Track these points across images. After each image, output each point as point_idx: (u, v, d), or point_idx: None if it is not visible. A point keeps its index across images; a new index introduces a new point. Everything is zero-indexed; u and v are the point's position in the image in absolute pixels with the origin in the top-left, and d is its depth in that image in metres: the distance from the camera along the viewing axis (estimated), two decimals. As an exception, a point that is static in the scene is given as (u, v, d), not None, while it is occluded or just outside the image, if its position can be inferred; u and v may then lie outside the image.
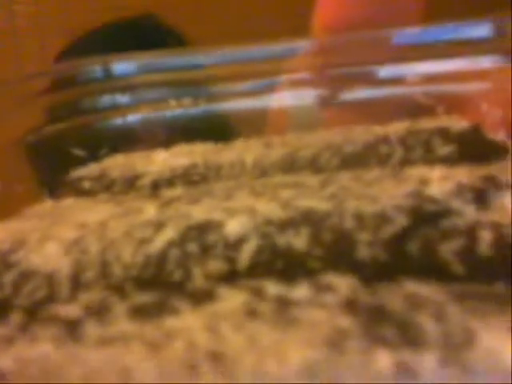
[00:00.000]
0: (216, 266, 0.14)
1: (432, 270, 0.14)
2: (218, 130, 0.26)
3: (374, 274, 0.13)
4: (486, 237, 0.15)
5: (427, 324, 0.11)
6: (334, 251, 0.14)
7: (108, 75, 0.25)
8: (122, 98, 0.25)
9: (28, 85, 0.24)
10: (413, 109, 0.25)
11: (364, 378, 0.10)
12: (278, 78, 0.26)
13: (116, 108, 0.25)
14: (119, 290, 0.14)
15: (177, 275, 0.14)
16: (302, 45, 0.26)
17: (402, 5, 0.26)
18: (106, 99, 0.25)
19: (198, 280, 0.14)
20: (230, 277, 0.14)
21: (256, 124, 0.27)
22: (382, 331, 0.11)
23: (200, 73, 0.26)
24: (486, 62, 0.24)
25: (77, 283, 0.14)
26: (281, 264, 0.14)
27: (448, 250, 0.14)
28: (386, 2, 0.25)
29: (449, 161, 0.20)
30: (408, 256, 0.14)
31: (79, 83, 0.24)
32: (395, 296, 0.12)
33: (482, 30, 0.24)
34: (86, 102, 0.25)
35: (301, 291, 0.12)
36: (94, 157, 0.24)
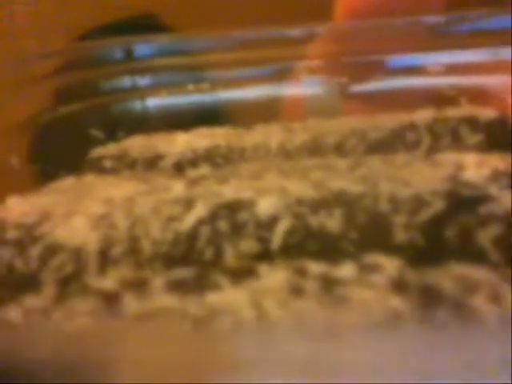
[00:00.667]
0: (248, 245, 0.14)
1: (469, 256, 0.14)
2: (225, 117, 0.26)
3: (416, 256, 0.13)
4: (523, 224, 0.14)
5: (483, 306, 0.11)
6: (370, 234, 0.14)
7: (127, 56, 0.24)
8: (141, 81, 0.25)
9: (45, 63, 0.23)
10: (435, 100, 0.25)
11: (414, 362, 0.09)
12: (297, 63, 0.26)
13: (134, 90, 0.25)
14: (149, 266, 0.14)
15: (208, 253, 0.14)
16: (320, 30, 0.25)
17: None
18: (124, 81, 0.25)
19: (231, 259, 0.14)
20: (264, 257, 0.14)
21: (270, 111, 0.27)
22: (436, 313, 0.11)
23: (218, 57, 0.26)
24: (508, 54, 0.24)
25: (105, 258, 0.14)
26: (315, 245, 0.14)
27: (485, 236, 0.14)
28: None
29: (478, 150, 0.19)
30: (445, 241, 0.14)
31: (98, 63, 0.24)
32: (445, 278, 0.12)
33: (504, 20, 0.23)
34: (103, 82, 0.24)
35: (346, 270, 0.12)
36: (111, 138, 0.24)
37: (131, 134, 0.24)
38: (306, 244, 0.14)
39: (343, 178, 0.15)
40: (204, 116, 0.26)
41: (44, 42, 0.59)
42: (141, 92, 0.25)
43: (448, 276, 0.12)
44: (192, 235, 0.14)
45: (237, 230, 0.14)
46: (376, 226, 0.14)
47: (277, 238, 0.14)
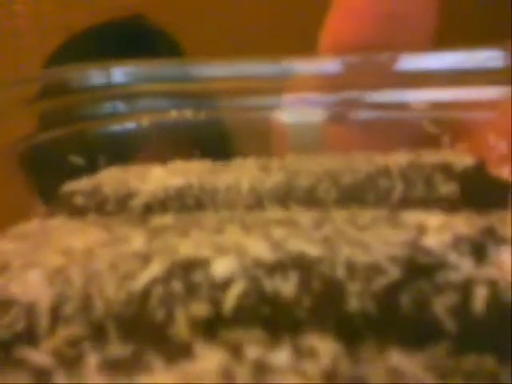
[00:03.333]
0: (200, 309, 0.14)
1: (423, 326, 0.14)
2: (218, 143, 0.26)
3: (361, 334, 0.13)
4: (480, 294, 0.14)
5: None
6: (323, 301, 0.14)
7: (107, 82, 0.24)
8: (122, 106, 0.25)
9: (22, 89, 0.23)
10: (418, 136, 0.24)
11: None
12: (280, 95, 0.26)
13: (115, 116, 0.25)
14: (98, 328, 0.14)
15: (159, 316, 0.14)
16: (307, 64, 0.25)
17: (413, 28, 0.25)
18: (104, 106, 0.24)
19: (180, 324, 0.13)
20: (213, 323, 0.13)
21: (259, 140, 0.26)
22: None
23: (203, 85, 0.26)
24: (494, 93, 0.24)
25: (56, 317, 0.14)
26: (266, 311, 0.14)
27: (441, 305, 0.14)
28: (396, 24, 0.25)
29: (450, 200, 0.19)
30: (399, 311, 0.14)
31: (77, 89, 0.24)
32: (377, 369, 0.12)
33: (492, 59, 0.23)
34: (83, 108, 0.24)
35: (281, 356, 0.12)
36: (91, 165, 0.24)
37: (112, 161, 0.24)
38: (257, 310, 0.14)
39: (304, 239, 0.15)
40: (187, 143, 0.25)
41: (44, 42, 0.59)
42: (121, 118, 0.25)
43: (381, 367, 0.12)
44: (144, 295, 0.14)
45: (190, 291, 0.14)
46: (330, 294, 0.14)
47: (229, 301, 0.14)
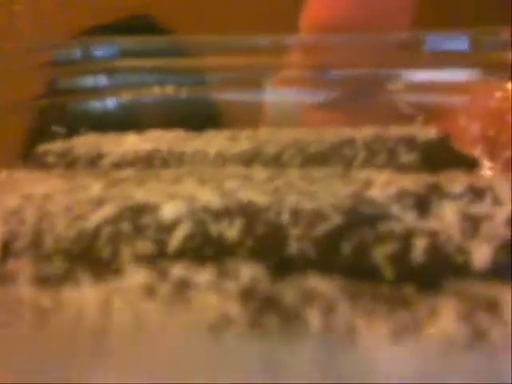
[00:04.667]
0: (145, 247, 0.14)
1: (362, 271, 0.14)
2: (201, 118, 0.26)
3: (290, 266, 0.13)
4: (420, 244, 0.15)
5: (312, 317, 0.11)
6: (264, 244, 0.14)
7: (87, 57, 0.25)
8: (103, 81, 0.25)
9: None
10: (393, 118, 0.25)
11: (237, 365, 0.10)
12: (264, 72, 0.26)
13: (95, 90, 0.25)
14: (49, 260, 0.14)
15: (106, 253, 0.14)
16: (289, 42, 0.26)
17: (390, 9, 0.26)
18: (86, 81, 0.25)
19: (126, 260, 0.14)
20: (158, 260, 0.14)
21: (245, 116, 0.27)
22: (265, 321, 0.11)
23: (187, 61, 0.26)
24: (465, 75, 0.24)
25: (7, 252, 0.14)
26: (210, 252, 0.14)
27: (381, 253, 0.14)
28: (373, 5, 0.25)
29: (411, 169, 0.20)
30: (339, 256, 0.14)
31: (61, 63, 0.25)
32: (293, 288, 0.12)
33: (460, 43, 0.24)
34: (67, 81, 0.25)
35: (204, 276, 0.13)
36: (72, 135, 0.24)
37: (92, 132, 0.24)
38: (201, 250, 0.14)
39: (254, 189, 0.16)
40: (168, 119, 0.26)
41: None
42: (107, 92, 0.26)
43: (297, 287, 0.12)
44: (94, 234, 0.15)
45: (137, 231, 0.15)
46: (272, 237, 0.14)
47: (174, 242, 0.14)
